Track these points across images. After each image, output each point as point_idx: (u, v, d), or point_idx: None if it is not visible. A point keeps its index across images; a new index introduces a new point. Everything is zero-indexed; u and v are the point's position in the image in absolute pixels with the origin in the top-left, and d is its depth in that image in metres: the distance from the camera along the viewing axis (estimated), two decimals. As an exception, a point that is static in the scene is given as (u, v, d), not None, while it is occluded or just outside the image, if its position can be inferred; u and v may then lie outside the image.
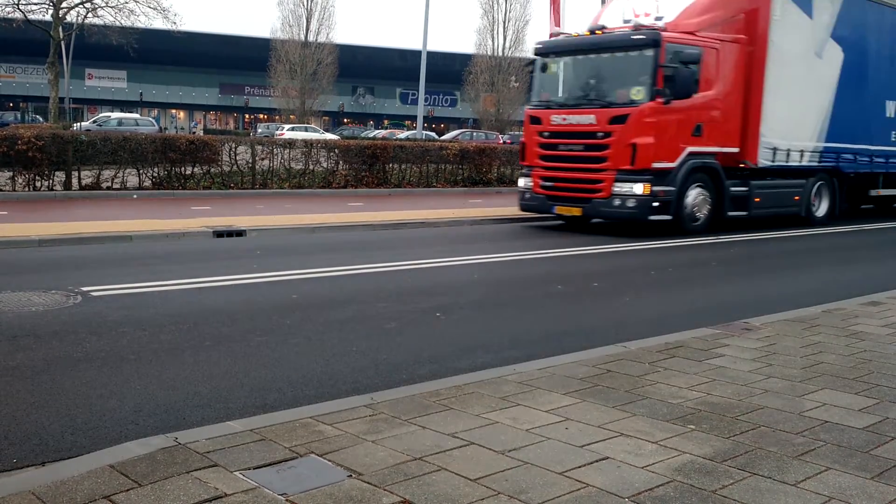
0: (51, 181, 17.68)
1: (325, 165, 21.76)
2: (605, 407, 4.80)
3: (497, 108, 60.44)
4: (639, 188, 13.54)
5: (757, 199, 15.53)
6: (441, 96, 77.78)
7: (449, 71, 65.41)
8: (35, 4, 37.71)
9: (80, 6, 38.06)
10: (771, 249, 13.64)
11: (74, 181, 18.03)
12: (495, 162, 24.67)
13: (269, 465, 3.82)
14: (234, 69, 71.06)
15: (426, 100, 58.44)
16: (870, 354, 6.19)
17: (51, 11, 37.51)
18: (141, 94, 70.81)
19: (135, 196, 18.06)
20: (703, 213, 14.68)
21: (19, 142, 16.84)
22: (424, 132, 44.79)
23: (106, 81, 70.37)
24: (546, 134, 14.74)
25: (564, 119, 14.46)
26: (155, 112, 70.76)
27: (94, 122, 39.50)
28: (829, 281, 10.52)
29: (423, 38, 33.95)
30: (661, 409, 4.80)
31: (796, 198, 16.63)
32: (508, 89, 59.69)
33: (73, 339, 6.29)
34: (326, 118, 73.26)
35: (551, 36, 16.04)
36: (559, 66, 15.11)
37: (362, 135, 53.13)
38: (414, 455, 3.98)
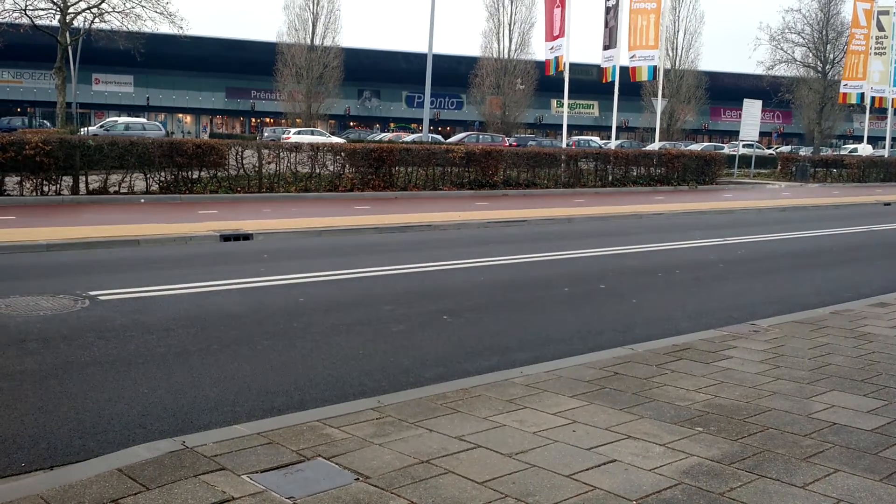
0: (58, 186, 17.71)
1: (331, 169, 21.76)
2: (612, 409, 4.79)
3: (503, 111, 60.41)
4: None
5: None
6: (447, 99, 77.78)
7: (455, 74, 65.42)
8: (42, 10, 37.94)
9: (87, 11, 38.26)
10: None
11: (82, 186, 18.07)
12: (501, 164, 24.64)
13: (277, 468, 3.83)
14: (241, 73, 71.20)
15: (432, 103, 58.45)
16: (878, 356, 6.17)
17: (58, 17, 37.71)
18: (147, 98, 71.00)
19: (142, 200, 18.09)
20: None
21: (27, 147, 16.88)
22: (430, 135, 44.81)
23: (113, 86, 70.56)
24: None
25: None
26: (161, 116, 70.91)
27: (102, 126, 39.63)
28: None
29: (429, 41, 33.98)
30: (668, 411, 4.78)
31: None
32: (514, 92, 59.68)
33: (81, 343, 6.30)
34: (333, 122, 73.30)
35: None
36: None
37: (368, 138, 53.20)
38: (421, 458, 3.98)
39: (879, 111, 52.49)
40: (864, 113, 48.19)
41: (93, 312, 7.36)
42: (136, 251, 11.56)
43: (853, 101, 45.33)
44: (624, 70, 34.08)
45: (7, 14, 37.34)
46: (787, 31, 60.58)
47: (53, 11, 37.77)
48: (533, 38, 62.01)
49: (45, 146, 17.10)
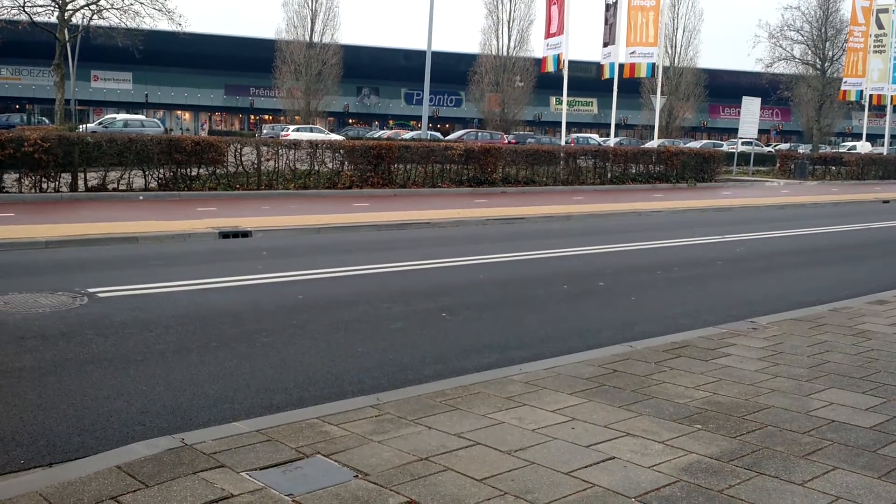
0: (57, 183, 17.70)
1: (330, 166, 21.76)
2: (611, 407, 4.79)
3: (502, 108, 60.40)
4: None
5: None
6: (446, 96, 77.74)
7: (454, 71, 65.41)
8: (41, 6, 37.87)
9: (86, 8, 38.21)
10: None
11: (80, 183, 18.05)
12: (500, 162, 24.63)
13: (276, 465, 3.83)
14: (239, 70, 71.12)
15: (431, 100, 58.43)
16: (877, 353, 6.18)
17: (56, 13, 37.64)
18: (146, 95, 70.95)
19: (141, 197, 18.08)
20: None
21: (25, 144, 16.86)
22: (429, 132, 44.78)
23: (111, 83, 70.49)
24: None
25: None
26: (160, 113, 70.85)
27: (100, 123, 39.57)
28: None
29: (428, 38, 33.95)
30: (667, 408, 4.79)
31: None
32: (513, 89, 59.65)
33: (80, 341, 6.30)
34: (332, 119, 73.28)
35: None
36: None
37: (367, 135, 53.17)
38: (420, 455, 3.98)
39: (878, 108, 52.50)
40: (863, 110, 48.21)
41: (91, 310, 7.36)
42: (134, 248, 11.55)
43: (853, 98, 45.35)
44: (622, 67, 34.07)
45: (5, 11, 37.31)
46: (786, 28, 60.58)
47: (52, 8, 37.70)
48: (532, 35, 61.96)
49: (44, 143, 17.08)
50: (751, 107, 38.70)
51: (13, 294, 7.88)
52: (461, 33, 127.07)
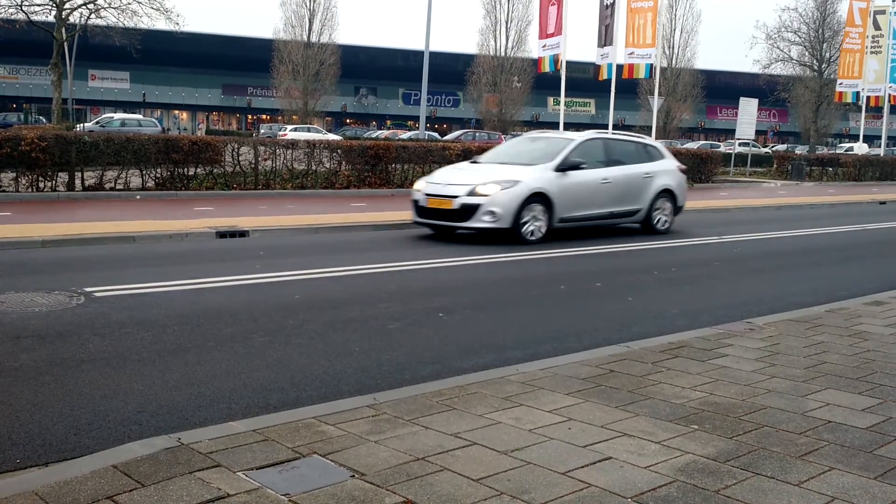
0: (54, 182, 17.68)
1: (327, 166, 21.75)
2: (607, 407, 4.79)
3: (500, 109, 60.43)
4: None
5: None
6: (444, 97, 77.79)
7: (452, 71, 65.46)
8: (38, 5, 37.87)
9: (83, 7, 38.21)
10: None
11: (77, 182, 18.03)
12: (498, 162, 24.60)
13: (272, 465, 3.82)
14: (237, 70, 71.14)
15: (429, 100, 58.48)
16: (873, 354, 6.18)
17: (54, 12, 37.64)
18: (144, 94, 70.93)
19: (138, 197, 18.07)
20: None
21: (22, 143, 16.84)
22: (427, 132, 44.80)
23: (109, 82, 70.49)
24: None
25: None
26: (158, 113, 70.86)
27: (97, 123, 39.54)
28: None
29: (426, 38, 33.97)
30: (663, 409, 4.79)
31: None
32: (511, 89, 59.69)
33: (77, 340, 6.30)
34: (329, 119, 73.32)
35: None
36: None
37: (365, 135, 53.18)
38: (417, 455, 3.98)
39: (875, 110, 52.59)
40: (860, 112, 48.25)
41: (88, 309, 7.35)
42: (131, 248, 11.54)
43: (849, 99, 45.37)
44: (620, 68, 34.06)
45: (3, 10, 37.29)
46: (783, 29, 60.73)
47: (49, 7, 37.70)
48: (529, 35, 61.95)
49: (41, 142, 17.06)
50: (748, 108, 38.76)
51: (9, 293, 7.87)
52: (459, 34, 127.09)
